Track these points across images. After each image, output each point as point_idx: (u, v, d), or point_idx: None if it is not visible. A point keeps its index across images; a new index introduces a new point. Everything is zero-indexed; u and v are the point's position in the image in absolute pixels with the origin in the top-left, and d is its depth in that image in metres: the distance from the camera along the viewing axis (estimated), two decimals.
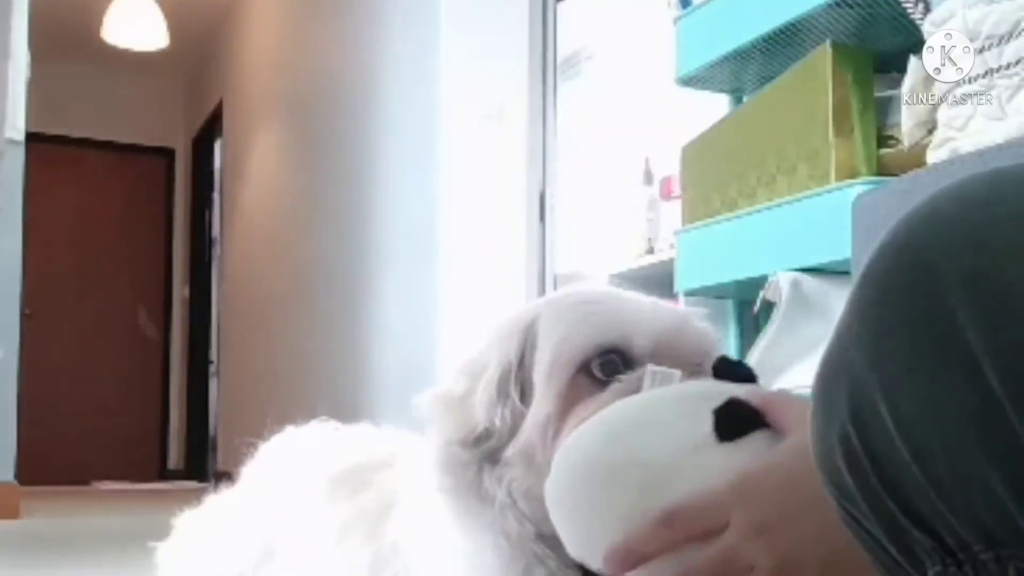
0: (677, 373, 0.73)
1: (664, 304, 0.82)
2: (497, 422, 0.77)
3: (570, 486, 0.68)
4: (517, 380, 0.78)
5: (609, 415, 0.70)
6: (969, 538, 0.41)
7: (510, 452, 0.78)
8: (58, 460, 6.79)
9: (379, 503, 0.86)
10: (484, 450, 0.78)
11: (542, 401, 0.77)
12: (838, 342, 0.45)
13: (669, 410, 0.67)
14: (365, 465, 0.93)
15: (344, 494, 0.90)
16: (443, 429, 0.80)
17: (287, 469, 1.01)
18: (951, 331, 0.40)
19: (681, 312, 0.82)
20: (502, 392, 0.78)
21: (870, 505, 0.44)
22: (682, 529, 0.62)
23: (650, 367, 0.73)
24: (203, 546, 1.03)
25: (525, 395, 0.78)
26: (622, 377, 0.75)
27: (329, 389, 4.53)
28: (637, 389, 0.73)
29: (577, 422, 0.73)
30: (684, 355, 0.77)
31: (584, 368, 0.76)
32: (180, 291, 7.86)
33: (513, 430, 0.78)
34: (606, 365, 0.76)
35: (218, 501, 1.07)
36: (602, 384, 0.76)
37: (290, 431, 1.08)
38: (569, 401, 0.76)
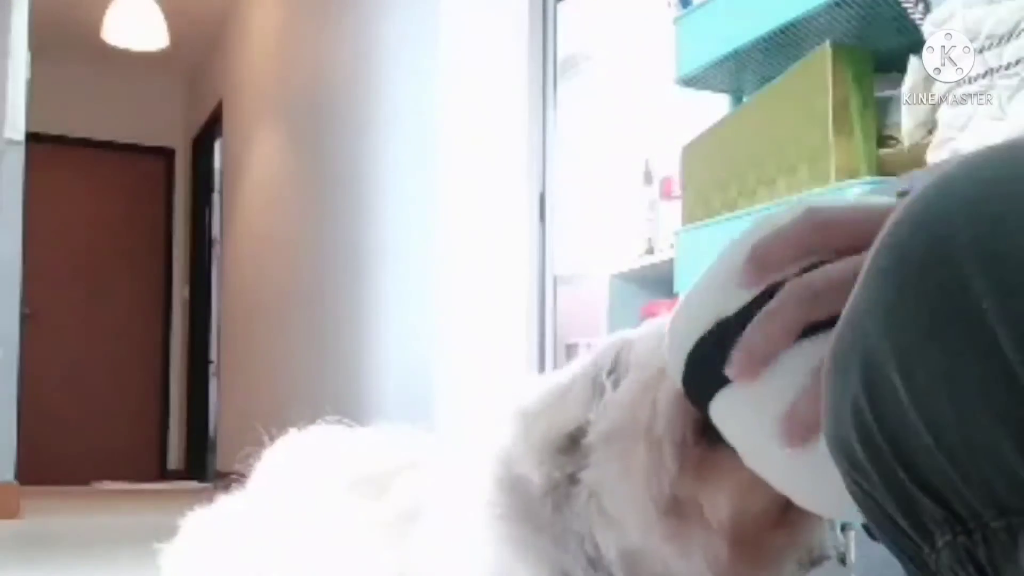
0: None
1: None
2: (592, 417, 0.68)
3: None
4: (612, 382, 0.70)
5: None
6: (980, 507, 0.42)
7: (595, 476, 0.68)
8: (58, 460, 6.79)
9: (400, 509, 0.83)
10: (575, 460, 0.69)
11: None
12: (852, 312, 0.45)
13: None
14: (383, 469, 0.90)
15: (361, 498, 0.88)
16: (529, 430, 0.70)
17: (299, 471, 1.00)
18: (966, 300, 0.40)
19: None
20: (596, 395, 0.69)
21: (881, 476, 0.44)
22: (834, 238, 0.52)
23: None
24: (211, 548, 1.02)
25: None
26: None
27: (329, 389, 4.53)
28: None
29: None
30: None
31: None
32: (180, 291, 7.86)
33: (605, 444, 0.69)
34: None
35: (227, 503, 1.06)
36: None
37: (297, 433, 1.06)
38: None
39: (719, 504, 0.64)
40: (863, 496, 0.46)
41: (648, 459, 0.65)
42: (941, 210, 0.42)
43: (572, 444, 0.69)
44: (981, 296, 0.40)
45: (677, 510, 0.65)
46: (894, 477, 0.44)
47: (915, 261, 0.42)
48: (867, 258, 0.45)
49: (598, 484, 0.68)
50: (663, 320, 0.71)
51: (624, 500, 0.67)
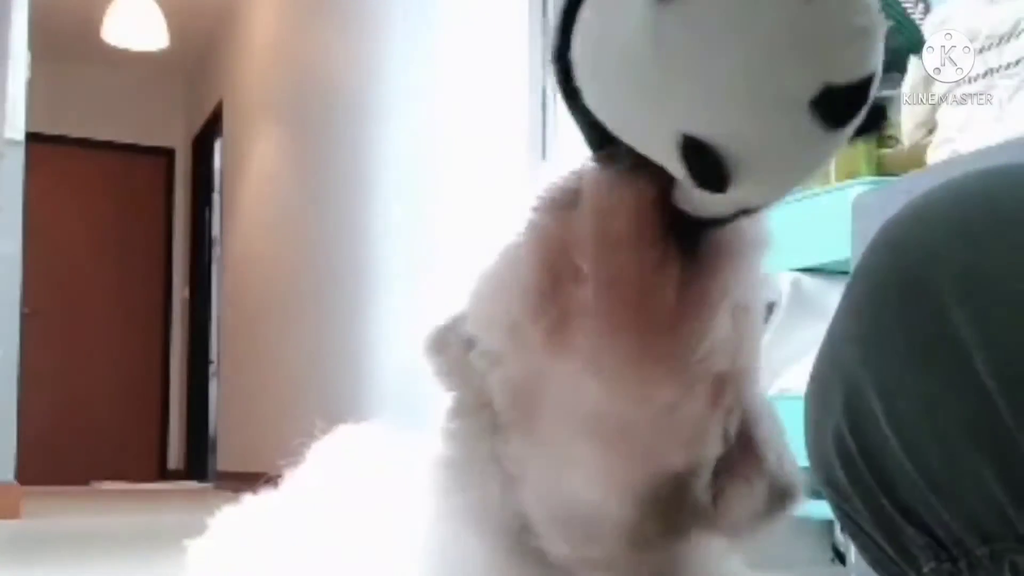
0: None
1: None
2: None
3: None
4: None
5: None
6: (963, 534, 0.41)
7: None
8: (58, 460, 6.79)
9: (391, 505, 0.83)
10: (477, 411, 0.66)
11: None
12: (832, 340, 0.45)
13: None
14: (395, 467, 0.90)
15: (363, 497, 0.88)
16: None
17: (329, 472, 0.99)
18: (945, 328, 0.40)
19: None
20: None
21: (864, 502, 0.44)
22: None
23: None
24: (242, 547, 1.02)
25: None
26: None
27: (329, 389, 4.53)
28: None
29: None
30: None
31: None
32: (180, 291, 7.86)
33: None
34: None
35: (258, 502, 1.06)
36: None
37: (341, 433, 1.05)
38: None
39: (581, 233, 0.56)
40: (848, 523, 0.46)
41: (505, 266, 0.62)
42: (917, 236, 0.42)
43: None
44: (959, 324, 0.40)
45: (548, 299, 0.59)
46: (877, 503, 0.43)
47: (894, 290, 0.42)
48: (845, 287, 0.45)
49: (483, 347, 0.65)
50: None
51: (500, 333, 0.63)
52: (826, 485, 0.46)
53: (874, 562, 0.47)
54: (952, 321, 0.40)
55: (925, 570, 0.44)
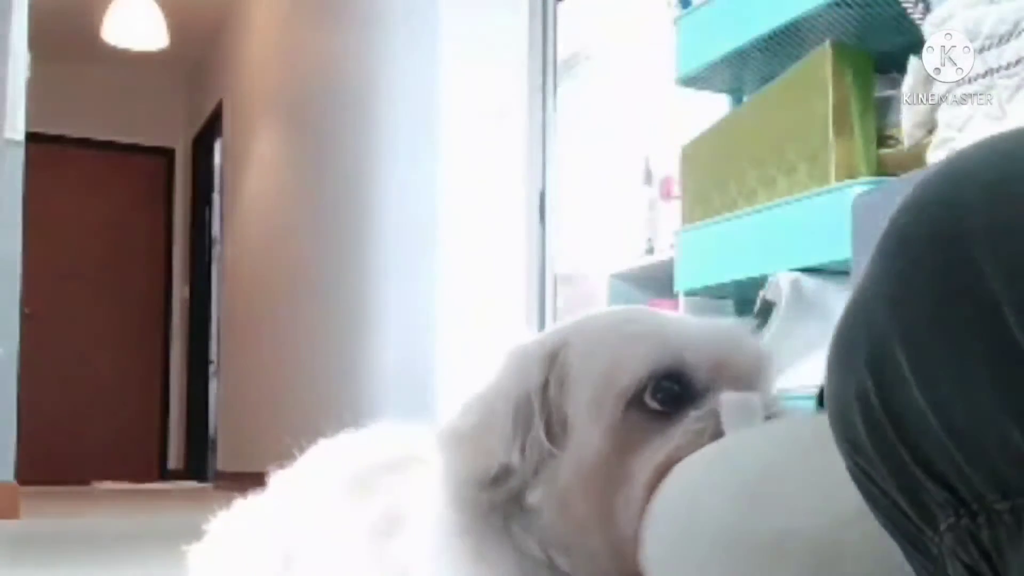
0: (756, 402, 0.63)
1: (708, 319, 0.72)
2: (515, 458, 0.67)
3: (703, 565, 0.56)
4: (542, 413, 0.68)
5: (725, 467, 0.59)
6: (984, 489, 0.41)
7: (536, 497, 0.68)
8: (58, 460, 6.79)
9: (385, 513, 0.82)
10: (504, 492, 0.68)
11: (588, 440, 0.66)
12: (859, 296, 0.45)
13: (800, 460, 0.57)
14: (376, 468, 0.90)
15: (354, 500, 0.87)
16: (454, 466, 0.70)
17: (310, 473, 0.99)
18: (974, 282, 0.40)
19: (733, 327, 0.71)
20: (521, 425, 0.68)
21: (884, 458, 0.44)
22: None
23: (725, 397, 0.64)
24: (229, 551, 1.02)
25: (552, 432, 0.68)
26: (694, 413, 0.65)
27: (329, 389, 4.53)
28: (717, 427, 0.63)
29: (652, 470, 0.63)
30: (742, 375, 0.68)
31: (636, 400, 0.66)
32: (180, 291, 7.86)
33: (536, 470, 0.68)
34: (663, 394, 0.66)
35: (248, 505, 1.06)
36: (662, 418, 0.65)
37: (325, 439, 1.04)
38: (623, 440, 0.65)
39: None
40: (865, 479, 0.46)
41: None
42: (948, 191, 0.43)
43: (497, 480, 0.68)
44: (989, 277, 0.40)
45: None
46: (898, 459, 0.43)
47: (922, 242, 0.42)
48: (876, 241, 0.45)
49: (538, 517, 0.68)
50: (596, 314, 0.73)
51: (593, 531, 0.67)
52: (844, 441, 0.46)
53: (888, 522, 0.46)
54: (982, 276, 0.40)
55: (942, 527, 0.44)
